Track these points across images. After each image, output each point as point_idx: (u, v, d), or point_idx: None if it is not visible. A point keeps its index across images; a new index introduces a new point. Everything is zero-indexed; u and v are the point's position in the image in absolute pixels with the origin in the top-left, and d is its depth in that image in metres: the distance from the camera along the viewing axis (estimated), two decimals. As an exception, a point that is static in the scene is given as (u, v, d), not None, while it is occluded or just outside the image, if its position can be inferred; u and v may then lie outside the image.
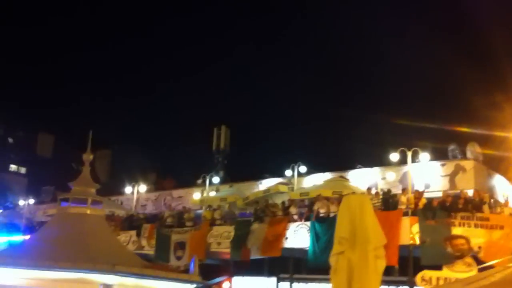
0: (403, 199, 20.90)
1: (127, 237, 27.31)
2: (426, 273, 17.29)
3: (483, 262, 15.67)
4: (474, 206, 19.56)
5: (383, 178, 25.98)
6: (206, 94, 69.05)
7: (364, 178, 26.55)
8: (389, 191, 22.36)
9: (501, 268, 5.73)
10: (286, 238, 22.39)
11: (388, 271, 21.51)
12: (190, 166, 38.57)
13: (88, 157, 16.48)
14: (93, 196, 15.34)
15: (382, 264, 5.12)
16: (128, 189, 36.28)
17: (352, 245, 5.14)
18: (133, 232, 27.67)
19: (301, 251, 22.69)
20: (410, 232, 19.29)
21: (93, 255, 12.01)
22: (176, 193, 34.80)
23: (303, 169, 29.03)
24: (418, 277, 17.19)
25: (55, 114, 63.62)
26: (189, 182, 34.45)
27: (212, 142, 40.46)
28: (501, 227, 18.78)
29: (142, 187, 35.35)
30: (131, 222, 29.10)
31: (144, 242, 26.86)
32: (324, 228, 20.25)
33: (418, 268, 18.13)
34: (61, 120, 59.78)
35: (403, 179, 24.67)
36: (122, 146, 43.82)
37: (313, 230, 21.37)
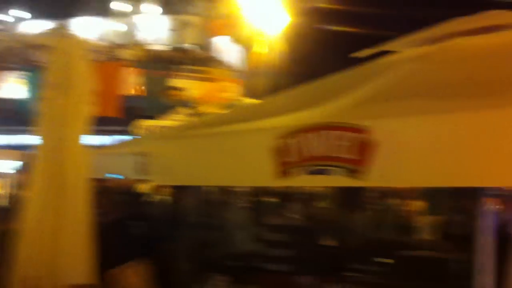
0: (127, 50, 20.88)
1: None
2: (142, 122, 17.79)
3: (197, 112, 16.88)
4: (195, 60, 20.65)
5: (109, 29, 25.30)
6: None
7: (89, 29, 25.42)
8: (114, 42, 22.03)
9: (211, 116, 6.27)
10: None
11: (108, 121, 21.82)
12: None
13: None
14: None
15: (89, 110, 4.98)
16: None
17: (60, 91, 4.81)
18: None
19: (13, 101, 21.34)
20: (132, 83, 19.62)
21: None
22: None
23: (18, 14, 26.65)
24: (132, 126, 17.58)
25: None
26: None
27: None
28: (216, 80, 20.34)
29: None
30: None
31: None
32: (40, 77, 19.13)
33: (138, 118, 18.65)
34: None
35: (130, 31, 24.45)
36: None
37: (30, 79, 20.12)
